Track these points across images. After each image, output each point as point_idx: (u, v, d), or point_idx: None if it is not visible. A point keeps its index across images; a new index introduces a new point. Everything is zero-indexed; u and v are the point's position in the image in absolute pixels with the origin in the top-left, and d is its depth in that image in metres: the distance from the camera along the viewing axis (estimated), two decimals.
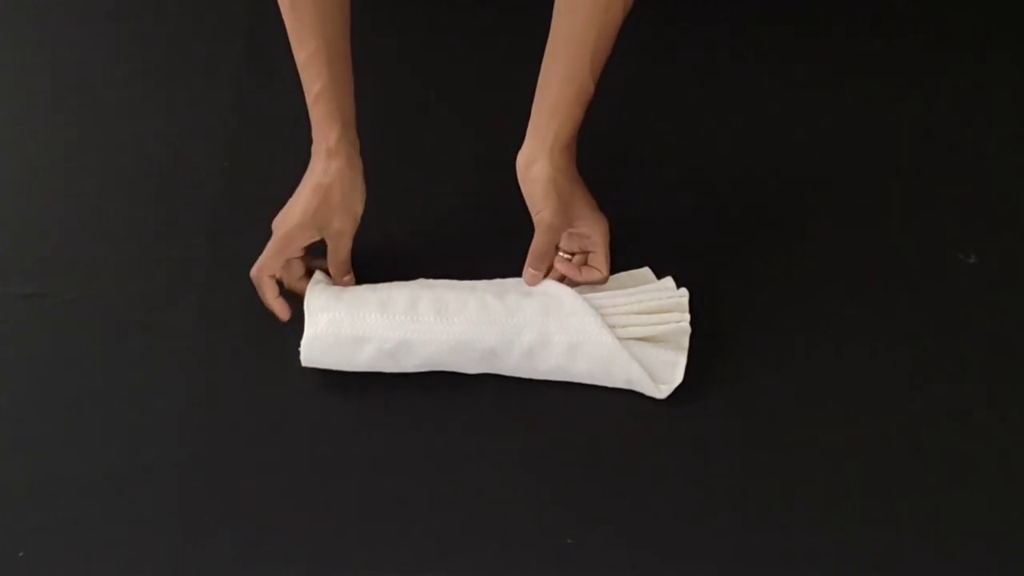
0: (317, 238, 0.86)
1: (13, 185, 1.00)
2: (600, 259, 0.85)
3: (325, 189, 0.84)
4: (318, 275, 0.87)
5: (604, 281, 0.86)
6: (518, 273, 0.87)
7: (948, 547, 0.76)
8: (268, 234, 0.88)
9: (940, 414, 0.84)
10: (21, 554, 0.74)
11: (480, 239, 0.94)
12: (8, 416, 0.82)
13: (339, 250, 0.86)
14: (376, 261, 0.89)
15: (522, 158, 0.84)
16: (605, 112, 0.88)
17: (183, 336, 0.87)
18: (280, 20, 0.84)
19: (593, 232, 0.85)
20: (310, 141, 0.86)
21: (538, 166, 0.83)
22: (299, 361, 0.83)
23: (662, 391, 0.82)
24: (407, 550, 0.75)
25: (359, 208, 0.86)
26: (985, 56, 1.16)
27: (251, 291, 0.87)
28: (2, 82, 1.10)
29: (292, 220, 0.85)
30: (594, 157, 0.89)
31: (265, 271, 0.85)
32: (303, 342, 0.83)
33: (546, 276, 0.87)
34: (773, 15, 1.20)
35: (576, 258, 0.87)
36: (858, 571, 0.75)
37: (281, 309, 0.86)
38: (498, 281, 0.88)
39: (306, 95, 0.85)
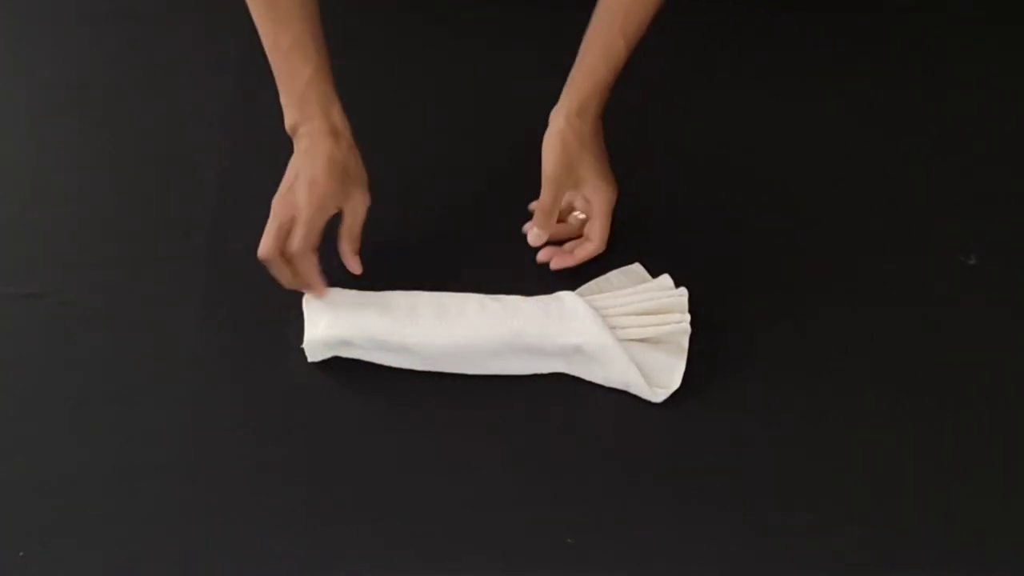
0: (336, 211, 0.86)
1: (13, 185, 1.00)
2: (595, 227, 0.87)
3: (342, 164, 0.85)
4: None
5: (598, 251, 0.88)
6: (513, 280, 0.87)
7: (949, 547, 0.76)
8: None
9: (941, 415, 0.84)
10: (21, 554, 0.74)
11: (475, 245, 0.94)
12: (8, 416, 0.82)
13: (358, 221, 0.87)
14: (369, 269, 0.88)
15: (550, 119, 0.87)
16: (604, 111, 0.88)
17: (183, 336, 0.87)
18: None
19: (595, 197, 0.87)
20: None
21: (553, 123, 0.86)
22: (299, 361, 0.84)
23: (658, 395, 0.82)
24: (407, 550, 0.75)
25: (367, 180, 0.88)
26: (985, 56, 1.16)
27: (252, 291, 0.87)
28: (2, 82, 1.10)
29: (327, 191, 0.84)
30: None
31: (311, 242, 0.83)
32: (305, 344, 0.83)
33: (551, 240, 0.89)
34: (772, 14, 1.20)
35: (568, 244, 0.89)
36: (858, 571, 0.75)
37: (321, 282, 0.85)
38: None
39: (288, 81, 0.86)
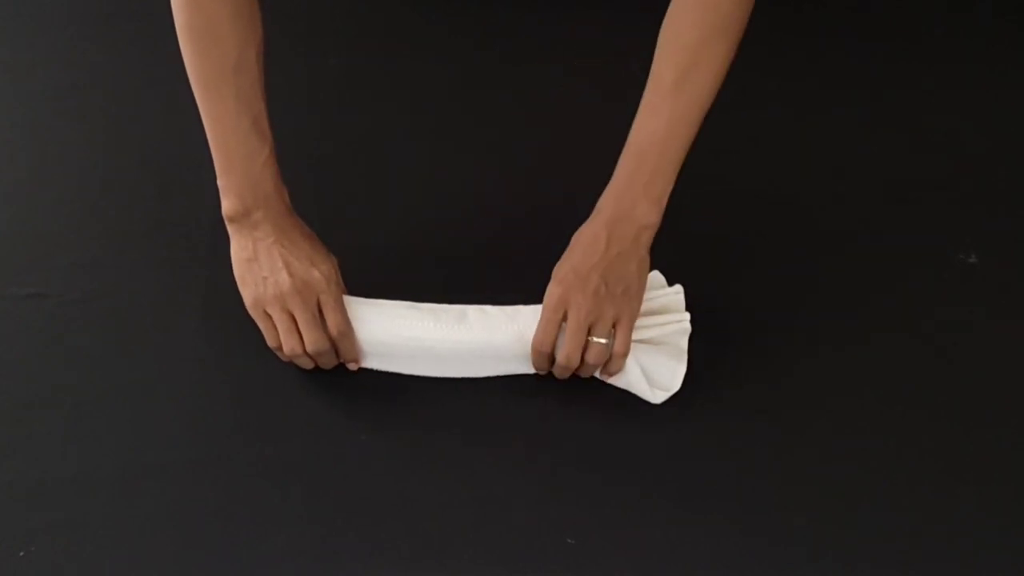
0: None
1: (14, 185, 1.00)
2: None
3: (313, 236, 0.83)
4: None
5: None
6: (510, 282, 0.86)
7: (949, 547, 0.76)
8: None
9: (940, 414, 0.84)
10: (21, 554, 0.74)
11: (471, 252, 0.94)
12: (8, 416, 0.82)
13: (341, 280, 0.85)
14: (362, 272, 0.88)
15: None
16: (602, 112, 0.88)
17: (184, 336, 0.87)
18: (278, 18, 0.84)
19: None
20: (307, 140, 0.86)
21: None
22: None
23: (658, 396, 0.82)
24: (407, 550, 0.75)
25: None
26: (986, 57, 1.16)
27: None
28: (2, 82, 1.10)
29: (330, 265, 0.82)
30: (592, 156, 0.89)
31: (346, 319, 0.81)
32: None
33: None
34: (773, 17, 1.20)
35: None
36: (858, 571, 0.75)
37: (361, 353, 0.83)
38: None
39: (241, 162, 0.80)
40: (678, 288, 0.85)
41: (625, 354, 0.80)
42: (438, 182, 1.00)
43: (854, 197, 1.01)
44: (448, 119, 1.07)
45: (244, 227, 0.82)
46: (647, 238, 0.81)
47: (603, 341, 0.79)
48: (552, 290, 0.80)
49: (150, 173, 1.01)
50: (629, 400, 0.83)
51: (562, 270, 0.81)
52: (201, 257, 0.93)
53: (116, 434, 0.81)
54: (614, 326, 0.79)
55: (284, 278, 0.80)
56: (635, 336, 0.83)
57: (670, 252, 0.90)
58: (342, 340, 0.81)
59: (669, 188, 0.81)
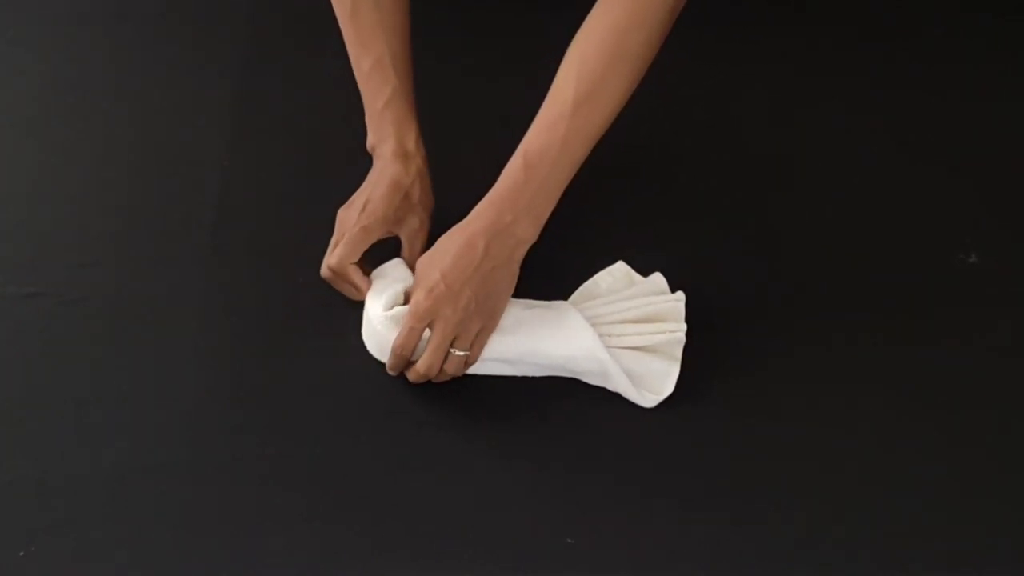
0: (390, 235, 0.86)
1: (13, 185, 1.00)
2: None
3: (406, 188, 0.86)
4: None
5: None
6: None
7: (948, 548, 0.76)
8: (269, 233, 0.88)
9: (940, 415, 0.84)
10: (21, 554, 0.74)
11: None
12: (9, 416, 0.82)
13: (416, 247, 0.86)
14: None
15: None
16: None
17: (184, 336, 0.87)
18: (279, 18, 0.84)
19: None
20: (308, 140, 0.86)
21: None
22: (299, 361, 0.84)
23: (649, 400, 0.82)
24: (407, 550, 0.75)
25: (432, 206, 0.88)
26: (986, 57, 1.16)
27: (252, 290, 0.87)
28: (2, 82, 1.10)
29: (375, 214, 0.84)
30: (592, 156, 0.89)
31: (348, 260, 0.83)
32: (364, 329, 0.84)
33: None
34: (772, 17, 1.20)
35: None
36: (857, 571, 0.75)
37: (367, 286, 0.84)
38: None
39: (369, 101, 0.88)
40: (680, 295, 0.85)
41: (474, 361, 0.81)
42: (437, 182, 1.00)
43: (853, 197, 1.01)
44: (448, 119, 1.07)
45: (374, 160, 0.88)
46: (521, 253, 0.81)
47: (463, 353, 0.79)
48: (420, 300, 0.78)
49: (150, 173, 1.01)
50: (628, 401, 0.83)
51: (431, 278, 0.79)
52: (201, 257, 0.93)
53: (116, 434, 0.81)
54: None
55: (348, 203, 0.87)
56: (629, 343, 0.83)
57: (670, 253, 0.90)
58: (333, 277, 0.84)
59: (551, 207, 0.81)
